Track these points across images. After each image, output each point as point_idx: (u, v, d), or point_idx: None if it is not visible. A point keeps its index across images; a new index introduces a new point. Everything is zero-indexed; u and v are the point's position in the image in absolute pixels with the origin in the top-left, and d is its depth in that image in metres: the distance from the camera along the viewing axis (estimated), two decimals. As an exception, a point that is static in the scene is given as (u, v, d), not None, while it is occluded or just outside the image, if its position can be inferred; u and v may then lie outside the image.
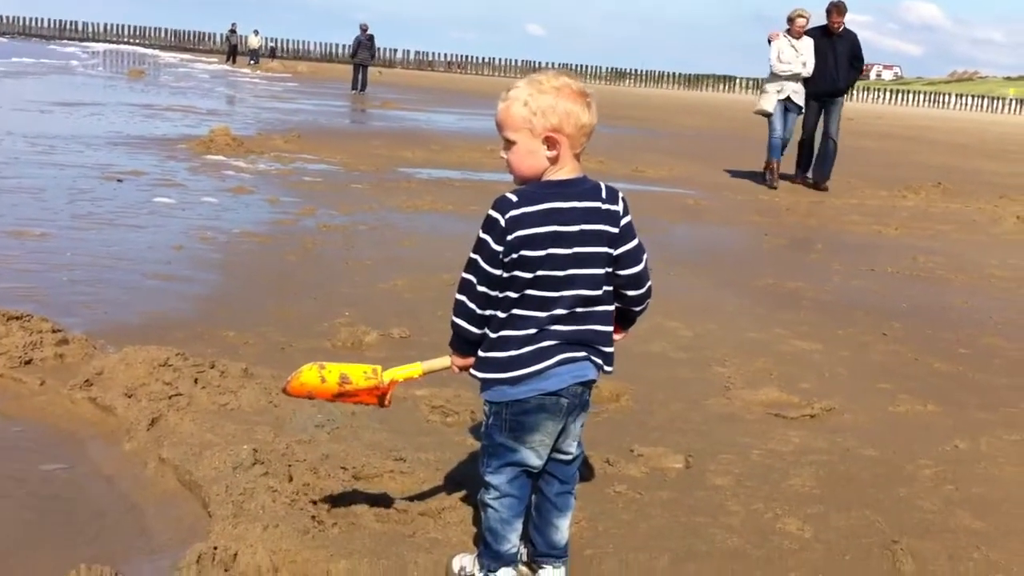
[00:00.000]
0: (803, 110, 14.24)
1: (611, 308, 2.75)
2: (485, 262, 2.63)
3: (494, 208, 2.62)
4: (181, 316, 5.88)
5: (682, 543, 3.41)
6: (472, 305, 2.67)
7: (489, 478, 2.83)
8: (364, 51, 34.31)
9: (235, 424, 4.25)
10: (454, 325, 2.74)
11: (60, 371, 4.75)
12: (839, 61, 14.05)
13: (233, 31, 53.47)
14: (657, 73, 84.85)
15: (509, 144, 2.65)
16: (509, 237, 2.58)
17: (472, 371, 2.79)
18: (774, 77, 14.16)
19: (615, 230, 2.68)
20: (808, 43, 13.98)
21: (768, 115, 14.25)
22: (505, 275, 2.63)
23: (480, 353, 2.74)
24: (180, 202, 9.86)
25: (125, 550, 3.29)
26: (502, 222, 2.58)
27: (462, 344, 2.77)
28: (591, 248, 2.65)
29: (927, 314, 7.18)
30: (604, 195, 2.69)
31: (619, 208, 2.70)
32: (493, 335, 2.69)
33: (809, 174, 14.81)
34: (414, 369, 3.00)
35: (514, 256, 2.60)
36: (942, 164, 20.95)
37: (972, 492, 4.03)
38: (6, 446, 4.05)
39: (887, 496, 3.93)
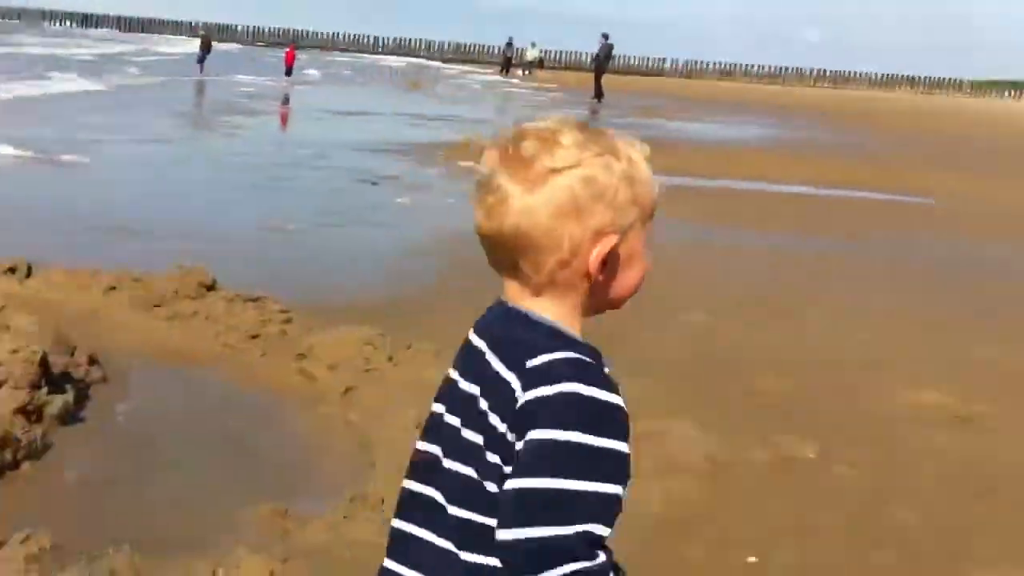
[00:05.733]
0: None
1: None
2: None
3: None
4: (397, 302, 6.69)
5: (784, 520, 3.76)
6: None
7: None
8: (603, 60, 36.06)
9: (416, 396, 4.93)
10: None
11: (280, 345, 5.65)
12: None
13: (509, 44, 57.23)
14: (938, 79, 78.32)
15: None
16: None
17: None
18: None
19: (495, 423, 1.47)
20: None
21: None
22: None
23: None
24: (423, 203, 10.88)
25: (298, 492, 4.02)
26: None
27: None
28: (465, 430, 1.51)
29: None
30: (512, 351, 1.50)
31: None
32: None
33: None
34: None
35: None
36: None
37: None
38: (225, 407, 4.93)
39: (997, 495, 4.09)
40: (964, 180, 15.29)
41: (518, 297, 1.51)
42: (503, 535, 1.40)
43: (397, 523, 1.58)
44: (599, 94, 34.88)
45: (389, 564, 1.56)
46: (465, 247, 8.12)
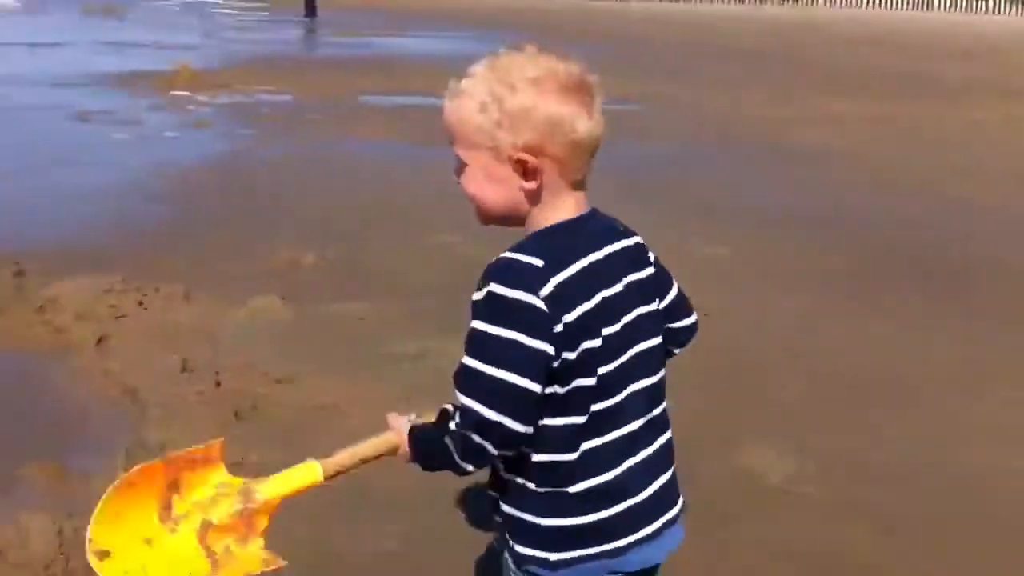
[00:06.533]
0: None
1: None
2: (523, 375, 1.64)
3: (507, 282, 1.65)
4: (133, 245, 6.49)
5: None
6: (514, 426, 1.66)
7: None
8: None
9: (172, 340, 4.91)
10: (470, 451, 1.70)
11: (17, 299, 5.40)
12: None
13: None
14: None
15: (462, 164, 1.75)
16: (557, 327, 1.64)
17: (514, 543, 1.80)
18: None
19: (653, 270, 1.85)
20: None
21: None
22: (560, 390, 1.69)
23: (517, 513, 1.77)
24: (139, 138, 10.46)
25: (70, 447, 3.95)
26: (540, 304, 1.63)
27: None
28: (645, 308, 1.81)
29: (835, 214, 7.97)
30: (622, 228, 1.84)
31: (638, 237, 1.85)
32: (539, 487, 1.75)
33: None
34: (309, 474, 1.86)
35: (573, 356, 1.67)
36: (899, 68, 21.19)
37: (817, 369, 4.78)
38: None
39: (741, 380, 4.66)
40: (669, 86, 16.30)
41: (584, 198, 1.78)
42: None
43: (635, 459, 1.79)
44: (312, 12, 34.09)
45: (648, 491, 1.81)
46: (192, 184, 8.09)
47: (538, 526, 1.74)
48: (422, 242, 6.74)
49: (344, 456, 1.87)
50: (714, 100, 14.96)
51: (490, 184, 1.72)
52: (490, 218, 1.78)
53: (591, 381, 1.69)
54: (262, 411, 4.22)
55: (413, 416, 1.89)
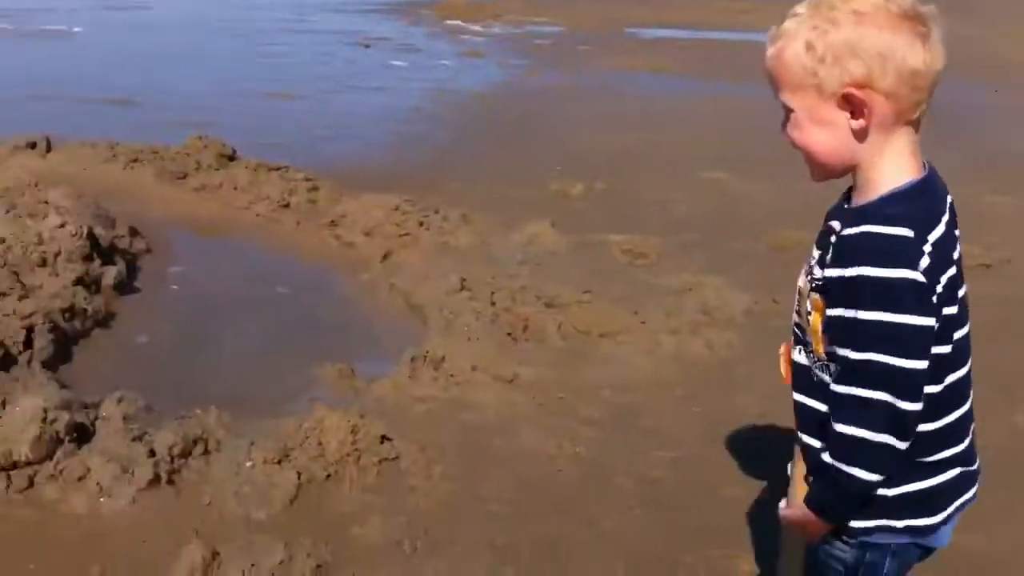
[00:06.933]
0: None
1: None
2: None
3: (886, 262, 1.55)
4: (413, 168, 6.84)
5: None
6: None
7: None
8: None
9: (451, 259, 5.17)
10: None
11: (311, 213, 5.83)
12: None
13: None
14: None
15: (788, 112, 1.66)
16: (935, 298, 1.58)
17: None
18: None
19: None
20: None
21: None
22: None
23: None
24: (418, 66, 10.91)
25: (359, 353, 4.26)
26: (922, 278, 1.55)
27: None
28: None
29: None
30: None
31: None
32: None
33: None
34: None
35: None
36: None
37: None
38: (271, 273, 5.12)
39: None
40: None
41: (919, 144, 1.65)
42: None
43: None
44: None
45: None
46: (469, 111, 8.39)
47: (885, 496, 1.70)
48: (690, 177, 6.72)
49: (794, 566, 1.90)
50: (996, 38, 13.90)
51: (816, 127, 1.62)
52: (822, 169, 1.67)
53: (947, 349, 1.63)
54: (533, 332, 4.38)
55: (783, 502, 1.87)
